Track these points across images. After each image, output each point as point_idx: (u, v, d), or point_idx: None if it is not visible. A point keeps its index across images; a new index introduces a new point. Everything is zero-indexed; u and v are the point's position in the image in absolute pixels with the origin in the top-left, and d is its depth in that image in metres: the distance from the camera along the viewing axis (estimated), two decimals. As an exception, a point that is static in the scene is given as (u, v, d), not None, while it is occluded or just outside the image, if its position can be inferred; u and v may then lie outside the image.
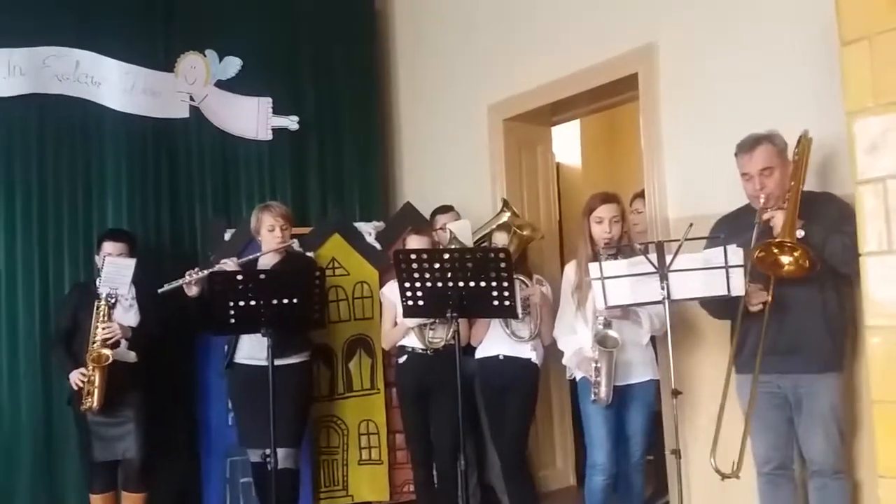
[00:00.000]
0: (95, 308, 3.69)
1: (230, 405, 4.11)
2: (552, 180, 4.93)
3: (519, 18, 4.51)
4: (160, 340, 3.91)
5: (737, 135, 2.92)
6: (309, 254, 4.26)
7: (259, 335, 3.49)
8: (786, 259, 2.57)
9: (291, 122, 4.96)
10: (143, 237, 4.43)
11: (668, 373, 2.88)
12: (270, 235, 3.84)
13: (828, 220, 2.67)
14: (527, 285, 3.58)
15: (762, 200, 2.74)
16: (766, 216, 2.71)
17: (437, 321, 3.68)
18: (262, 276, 3.55)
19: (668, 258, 2.82)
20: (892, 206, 2.11)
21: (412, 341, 3.77)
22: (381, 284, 4.23)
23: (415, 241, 3.78)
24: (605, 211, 3.31)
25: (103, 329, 3.66)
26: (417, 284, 3.20)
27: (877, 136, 2.15)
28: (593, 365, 3.21)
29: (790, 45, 3.11)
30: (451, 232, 3.86)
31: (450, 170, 5.07)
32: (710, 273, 2.75)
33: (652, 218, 3.74)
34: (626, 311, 3.21)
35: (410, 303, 3.26)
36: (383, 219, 4.84)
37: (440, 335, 3.70)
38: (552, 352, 3.64)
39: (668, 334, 2.89)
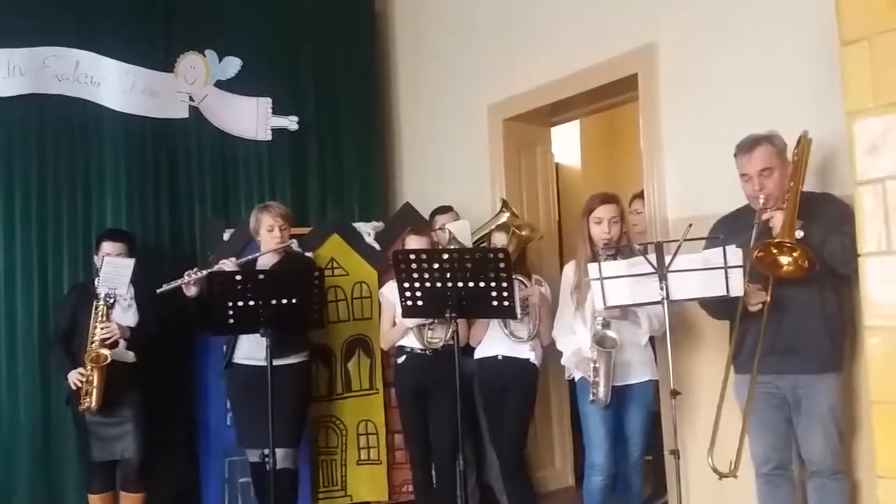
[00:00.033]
0: (94, 308, 3.68)
1: (229, 405, 4.10)
2: (551, 181, 4.93)
3: (519, 19, 4.51)
4: (159, 340, 3.91)
5: (736, 135, 2.92)
6: (308, 254, 4.26)
7: (258, 335, 3.49)
8: (785, 259, 2.57)
9: (291, 123, 4.96)
10: (143, 237, 4.44)
11: (667, 373, 2.87)
12: (269, 236, 3.84)
13: (827, 221, 2.67)
14: (526, 285, 3.58)
15: (761, 201, 2.74)
16: (765, 216, 2.71)
17: (435, 321, 3.67)
18: (261, 277, 3.55)
19: (668, 259, 2.82)
20: (892, 207, 2.11)
21: (411, 341, 3.77)
22: (380, 285, 4.23)
23: (414, 242, 3.77)
24: (604, 211, 3.31)
25: (102, 329, 3.66)
26: (416, 285, 3.20)
27: (877, 137, 2.14)
28: (592, 365, 3.21)
29: (790, 45, 3.11)
30: (450, 232, 3.86)
31: (449, 170, 5.07)
32: (709, 273, 2.75)
33: (651, 218, 3.74)
34: (625, 312, 3.21)
35: (409, 303, 3.25)
36: (382, 219, 4.84)
37: (439, 335, 3.69)
38: (551, 352, 3.64)
39: (667, 335, 2.89)
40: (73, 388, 3.71)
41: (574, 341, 3.41)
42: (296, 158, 5.05)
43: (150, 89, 4.65)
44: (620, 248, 3.28)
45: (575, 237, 3.65)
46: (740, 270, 2.70)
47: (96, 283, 3.75)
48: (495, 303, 3.17)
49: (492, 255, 3.20)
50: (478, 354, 3.74)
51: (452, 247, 3.69)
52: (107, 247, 3.88)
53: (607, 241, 3.27)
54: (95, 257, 3.95)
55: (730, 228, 2.90)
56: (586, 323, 3.32)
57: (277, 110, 4.94)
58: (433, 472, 3.84)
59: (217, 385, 4.15)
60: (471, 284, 3.14)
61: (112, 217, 4.48)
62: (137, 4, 4.66)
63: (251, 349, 3.74)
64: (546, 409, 4.64)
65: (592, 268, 2.97)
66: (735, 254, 2.70)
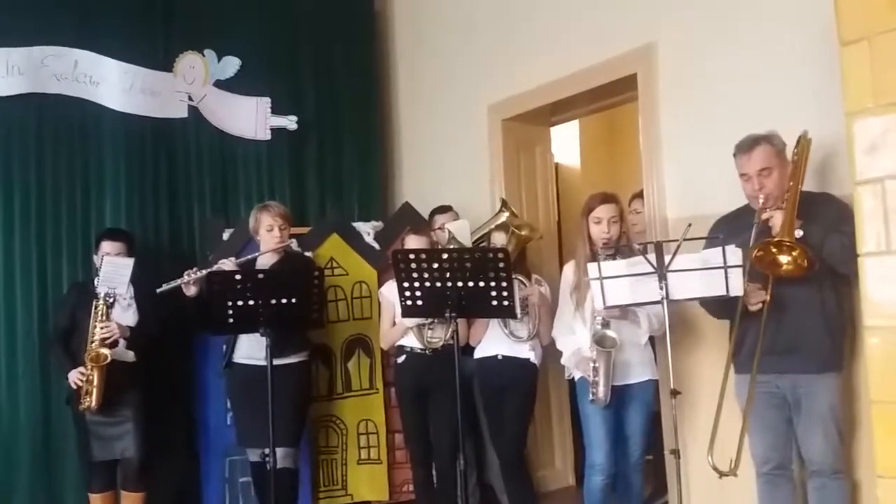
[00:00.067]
0: (94, 307, 3.68)
1: (229, 405, 4.10)
2: (551, 180, 4.93)
3: (518, 19, 4.51)
4: (159, 340, 3.91)
5: (736, 135, 2.92)
6: (307, 253, 4.26)
7: (258, 335, 3.48)
8: (784, 258, 2.57)
9: (290, 122, 4.96)
10: (142, 237, 4.44)
11: (667, 373, 2.87)
12: (269, 235, 3.84)
13: (826, 221, 2.67)
14: (525, 285, 3.58)
15: (761, 200, 2.74)
16: (764, 216, 2.71)
17: (435, 321, 3.68)
18: (261, 276, 3.55)
19: (667, 258, 2.82)
20: (891, 207, 2.11)
21: (411, 341, 3.77)
22: (380, 284, 4.23)
23: (413, 241, 3.78)
24: (603, 211, 3.31)
25: (102, 328, 3.66)
26: (416, 284, 3.20)
27: (876, 137, 2.14)
28: (591, 365, 3.21)
29: (790, 45, 3.11)
30: (449, 232, 3.87)
31: (448, 170, 5.07)
32: (708, 273, 2.75)
33: (651, 218, 3.74)
34: (625, 312, 3.21)
35: (409, 302, 3.25)
36: (382, 219, 4.85)
37: (439, 335, 3.70)
38: (551, 352, 3.64)
39: (666, 334, 2.89)
40: (74, 387, 3.71)
41: (574, 341, 3.41)
42: (295, 158, 5.05)
43: (149, 89, 4.65)
44: (620, 247, 3.28)
45: (574, 237, 3.65)
46: (740, 270, 2.70)
47: (96, 282, 3.75)
48: (495, 302, 3.17)
49: (491, 255, 3.20)
50: (478, 354, 3.74)
51: (452, 246, 3.69)
52: (106, 246, 3.88)
53: (607, 240, 3.27)
54: (95, 257, 3.96)
55: (729, 228, 2.90)
56: (586, 323, 3.32)
57: (276, 110, 4.93)
58: (433, 472, 3.85)
59: (217, 384, 4.15)
60: (470, 284, 3.14)
61: (111, 216, 4.48)
62: (137, 4, 4.66)
63: (251, 349, 3.74)
64: (546, 409, 4.64)
65: (592, 267, 2.97)
66: (734, 253, 2.70)
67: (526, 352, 3.63)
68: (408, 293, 3.23)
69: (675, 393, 2.85)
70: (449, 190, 4.80)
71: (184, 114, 4.76)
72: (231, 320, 3.43)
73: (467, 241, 3.92)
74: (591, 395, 3.22)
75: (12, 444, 4.16)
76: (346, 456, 4.42)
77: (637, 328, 3.30)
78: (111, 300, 3.70)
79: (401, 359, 3.83)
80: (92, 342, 3.64)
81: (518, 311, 3.35)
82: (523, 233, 3.76)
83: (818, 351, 2.75)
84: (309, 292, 3.52)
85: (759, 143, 2.82)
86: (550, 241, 4.87)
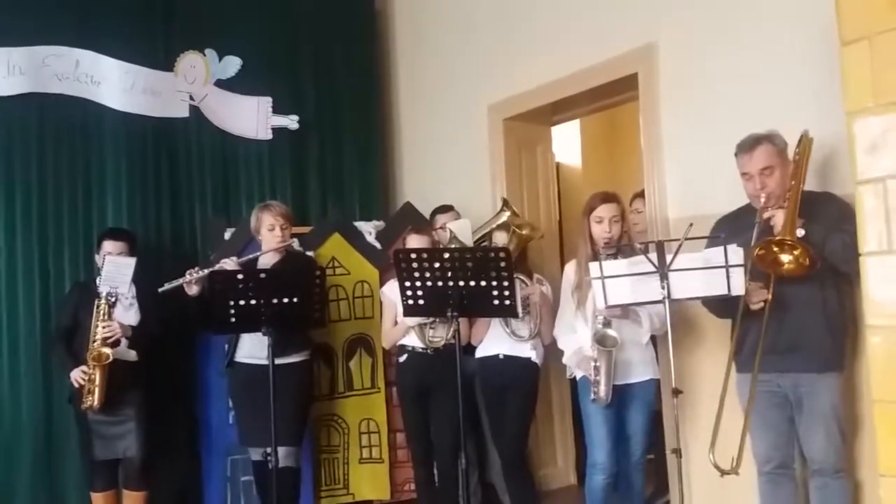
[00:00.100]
0: (96, 307, 3.68)
1: (231, 404, 4.11)
2: (552, 180, 4.94)
3: (519, 18, 4.51)
4: (160, 339, 3.91)
5: (737, 135, 2.92)
6: (309, 253, 4.26)
7: (259, 334, 3.49)
8: (786, 257, 2.57)
9: (291, 122, 4.96)
10: (144, 236, 4.43)
11: (669, 372, 2.88)
12: (270, 235, 3.84)
13: (828, 220, 2.67)
14: (527, 284, 3.58)
15: (763, 200, 2.74)
16: (766, 215, 2.71)
17: (437, 320, 3.68)
18: (263, 276, 3.56)
19: (669, 258, 2.83)
20: (892, 206, 2.11)
21: (412, 340, 3.78)
22: (382, 284, 4.24)
23: (415, 241, 3.78)
24: (604, 210, 3.32)
25: (104, 328, 3.66)
26: (418, 284, 3.20)
27: (877, 136, 2.15)
28: (593, 364, 3.21)
29: (790, 45, 3.12)
30: (450, 231, 3.87)
31: (450, 169, 5.07)
32: (710, 272, 2.75)
33: (652, 218, 3.74)
34: (626, 311, 3.21)
35: (411, 302, 3.26)
36: (383, 218, 4.85)
37: (440, 334, 3.70)
38: (552, 351, 3.64)
39: (668, 334, 2.89)
40: (76, 385, 3.71)
41: (575, 340, 3.41)
42: (296, 157, 5.05)
43: (150, 88, 4.65)
44: (621, 247, 3.28)
45: (576, 236, 3.65)
46: (741, 269, 2.70)
47: (98, 282, 3.75)
48: (496, 302, 3.17)
49: (493, 255, 3.20)
50: (479, 353, 3.75)
51: (453, 246, 3.69)
52: (108, 246, 3.88)
53: (608, 240, 3.28)
54: (96, 256, 3.96)
55: (731, 227, 2.91)
56: (587, 322, 3.33)
57: (278, 109, 4.93)
58: (435, 471, 3.85)
59: (219, 384, 4.16)
60: (472, 283, 3.14)
61: (113, 216, 4.49)
62: (137, 4, 4.66)
63: (253, 348, 3.74)
64: (548, 408, 4.64)
65: (593, 267, 2.98)
66: (736, 253, 2.70)
67: (527, 351, 3.63)
68: (409, 292, 3.24)
69: (676, 392, 2.86)
70: (450, 189, 4.81)
71: (185, 113, 4.76)
72: (233, 320, 3.43)
73: (469, 241, 3.92)
74: (592, 395, 3.23)
75: (14, 442, 4.16)
76: (347, 455, 4.43)
77: (638, 327, 3.30)
78: (113, 299, 3.70)
79: (402, 358, 3.84)
80: (94, 341, 3.64)
81: (519, 310, 3.35)
82: (524, 232, 3.76)
83: (820, 350, 2.75)
84: (310, 292, 3.52)
85: (761, 142, 2.82)
86: (552, 240, 4.87)
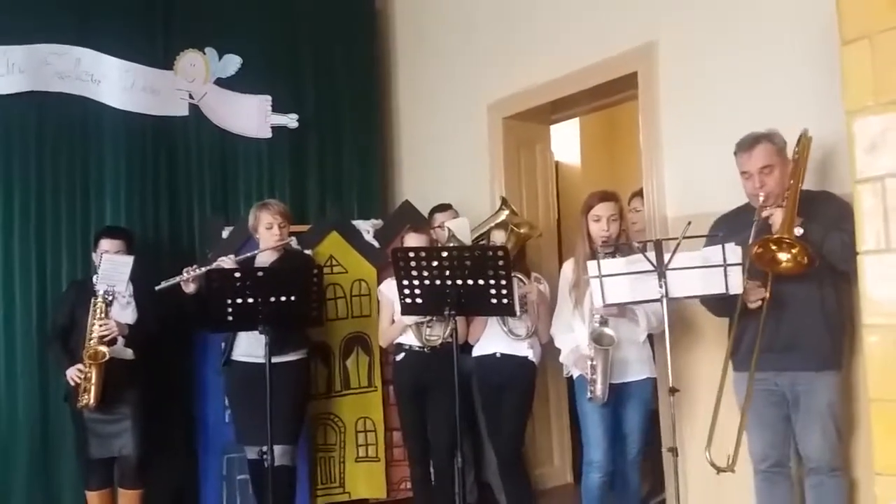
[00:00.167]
0: (92, 305, 3.67)
1: (227, 402, 4.10)
2: (551, 179, 4.93)
3: (518, 17, 4.51)
4: (157, 338, 3.90)
5: (736, 134, 2.92)
6: (307, 251, 4.26)
7: (256, 332, 3.48)
8: (784, 256, 2.57)
9: (291, 121, 4.97)
10: (142, 234, 4.44)
11: (666, 370, 2.88)
12: (268, 233, 3.84)
13: (826, 219, 2.67)
14: (524, 283, 3.58)
15: (761, 198, 2.74)
16: (765, 214, 2.71)
17: (434, 319, 3.68)
18: (260, 274, 3.55)
19: (667, 256, 2.82)
20: (891, 205, 2.11)
21: (410, 339, 3.77)
22: (379, 282, 4.23)
23: (413, 239, 3.78)
24: (603, 209, 3.31)
25: (100, 326, 3.65)
26: (415, 282, 3.20)
27: (876, 135, 2.15)
28: (589, 363, 3.21)
29: (790, 43, 3.11)
30: (449, 230, 3.87)
31: (448, 168, 5.07)
32: (708, 271, 2.75)
33: (650, 217, 3.74)
34: (623, 310, 3.21)
35: (408, 300, 3.25)
36: (381, 217, 4.85)
37: (437, 333, 3.70)
38: (550, 350, 3.64)
39: (665, 332, 2.89)
40: (72, 383, 3.70)
41: (572, 339, 3.41)
42: (295, 156, 5.05)
43: (150, 87, 4.65)
44: (619, 245, 3.28)
45: (574, 235, 3.65)
46: (739, 268, 2.70)
47: (95, 280, 3.74)
48: (494, 300, 3.17)
49: (491, 253, 3.20)
50: (476, 352, 3.74)
51: (451, 244, 3.69)
52: (105, 244, 3.88)
53: (606, 238, 3.28)
54: (94, 254, 3.95)
55: (730, 226, 2.90)
56: (585, 320, 3.32)
57: (277, 108, 4.94)
58: (431, 470, 3.85)
59: (215, 382, 4.15)
60: (470, 282, 3.14)
61: (111, 214, 4.49)
62: (138, 2, 4.66)
63: (250, 346, 3.74)
64: (544, 407, 4.64)
65: (591, 265, 2.97)
66: (734, 252, 2.70)
67: (524, 350, 3.63)
68: (407, 291, 3.23)
69: (673, 391, 2.85)
70: (449, 188, 4.81)
71: (184, 112, 4.76)
72: (230, 318, 3.42)
73: (467, 239, 3.92)
74: (589, 393, 3.22)
75: (10, 441, 4.16)
76: (344, 454, 4.43)
77: (635, 326, 3.30)
78: (110, 298, 3.70)
79: (399, 357, 3.83)
80: (90, 340, 3.63)
81: (517, 309, 3.35)
82: (523, 231, 3.76)
83: (817, 349, 2.75)
84: (308, 290, 3.52)
85: (760, 141, 2.82)
86: (550, 239, 4.87)
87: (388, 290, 3.79)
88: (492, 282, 3.13)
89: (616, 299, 2.98)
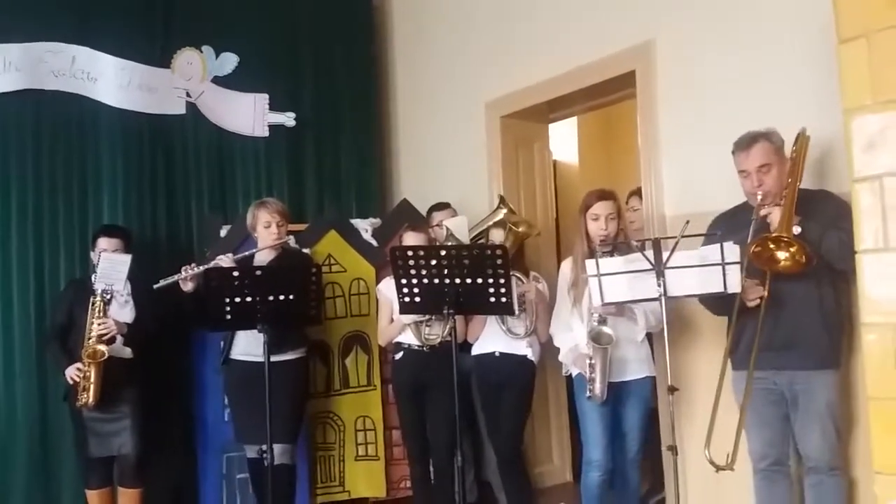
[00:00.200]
0: (91, 304, 3.67)
1: (226, 401, 4.10)
2: (549, 177, 4.93)
3: (517, 16, 4.50)
4: (156, 336, 3.90)
5: (734, 133, 2.92)
6: (305, 250, 4.25)
7: (255, 331, 3.47)
8: (782, 254, 2.57)
9: (288, 119, 4.96)
10: (139, 233, 4.42)
11: (665, 369, 2.88)
12: (266, 232, 3.84)
13: (824, 218, 2.67)
14: (523, 282, 3.58)
15: (759, 197, 2.74)
16: (763, 212, 2.71)
17: (433, 318, 3.68)
18: (259, 273, 3.55)
19: (665, 255, 2.82)
20: (889, 204, 2.11)
21: (408, 338, 3.77)
22: (378, 281, 4.23)
23: (411, 238, 3.77)
24: (601, 208, 3.32)
25: (99, 325, 3.65)
26: (414, 281, 3.20)
27: (874, 134, 2.15)
28: (588, 361, 3.21)
29: (788, 42, 3.11)
30: (447, 229, 3.87)
31: (447, 167, 5.07)
32: (706, 270, 2.76)
33: (649, 215, 3.74)
34: (621, 308, 3.21)
35: (407, 299, 3.25)
36: (380, 215, 4.85)
37: (436, 332, 3.70)
38: (549, 348, 3.64)
39: (664, 331, 2.89)
40: (71, 382, 3.70)
41: (571, 338, 3.41)
42: (293, 155, 5.04)
43: (146, 85, 4.64)
44: (618, 244, 3.29)
45: (572, 234, 3.65)
46: (738, 267, 2.70)
47: (93, 279, 3.73)
48: (493, 299, 3.16)
49: (489, 252, 3.19)
50: (475, 351, 3.75)
51: (450, 243, 3.69)
52: (103, 243, 3.87)
53: (604, 237, 3.28)
54: (92, 253, 3.95)
55: (728, 225, 2.91)
56: (583, 319, 3.32)
57: (274, 106, 4.93)
58: (431, 469, 3.85)
59: (214, 381, 4.15)
60: (468, 281, 3.13)
61: (109, 213, 4.48)
62: (135, 1, 4.64)
63: (248, 345, 3.74)
64: (544, 406, 4.64)
65: (590, 264, 2.98)
66: (732, 250, 2.71)
67: (523, 348, 3.63)
68: (406, 290, 3.23)
69: (672, 389, 2.86)
70: (447, 187, 4.81)
71: (181, 110, 4.75)
72: (228, 317, 3.42)
73: (465, 238, 3.92)
74: (588, 392, 3.23)
75: (9, 440, 4.15)
76: (343, 452, 4.43)
77: (634, 325, 3.30)
78: (108, 297, 3.69)
79: (398, 355, 3.83)
80: (89, 339, 3.63)
81: (516, 307, 3.35)
82: (521, 229, 3.76)
83: (816, 347, 2.75)
84: (307, 289, 3.51)
85: (758, 139, 2.83)
86: (548, 237, 4.87)
87: (387, 288, 3.79)
88: (490, 280, 3.13)
89: (614, 298, 2.98)
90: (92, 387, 3.62)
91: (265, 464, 3.48)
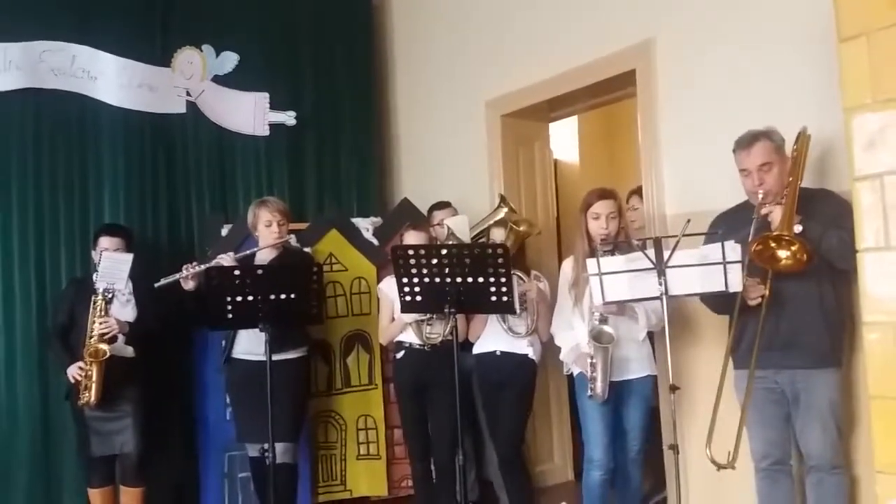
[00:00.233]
0: (92, 303, 3.68)
1: (228, 400, 4.10)
2: (550, 176, 4.93)
3: (517, 15, 4.50)
4: (157, 335, 3.91)
5: (734, 131, 2.92)
6: (306, 249, 4.25)
7: (257, 330, 3.48)
8: (783, 253, 2.57)
9: (289, 118, 4.96)
10: (140, 232, 4.43)
11: (666, 368, 2.88)
12: (267, 231, 3.84)
13: (825, 217, 2.67)
14: (524, 281, 3.58)
15: (760, 196, 2.75)
16: (764, 211, 2.71)
17: (434, 317, 3.68)
18: (260, 272, 3.55)
19: (666, 254, 2.83)
20: (890, 203, 2.12)
21: (410, 337, 3.77)
22: (379, 280, 4.23)
23: (412, 237, 3.78)
24: (601, 207, 3.31)
25: (100, 324, 3.65)
26: (415, 280, 3.20)
27: (874, 133, 2.15)
28: (589, 360, 3.21)
29: (789, 41, 3.11)
30: (448, 228, 3.87)
31: (447, 166, 5.07)
32: (707, 269, 2.76)
33: (650, 214, 3.74)
34: (622, 308, 3.21)
35: (408, 298, 3.25)
36: (381, 214, 4.85)
37: (437, 331, 3.70)
38: (550, 347, 3.64)
39: (665, 330, 2.89)
40: (73, 381, 3.70)
41: (572, 337, 3.41)
42: (293, 154, 5.04)
43: (147, 84, 4.64)
44: (618, 243, 3.29)
45: (573, 233, 3.65)
46: (739, 266, 2.70)
47: (94, 278, 3.74)
48: (494, 298, 3.17)
49: (490, 251, 3.20)
50: (476, 350, 3.74)
51: (451, 242, 3.69)
52: (104, 242, 3.88)
53: (605, 236, 3.28)
54: (93, 252, 3.95)
55: (729, 224, 2.91)
56: (584, 318, 3.32)
57: (275, 105, 4.93)
58: (432, 468, 3.85)
59: (216, 380, 4.15)
60: (469, 280, 3.14)
61: (110, 212, 4.48)
62: (135, 0, 4.64)
63: (250, 344, 3.74)
64: (545, 405, 4.65)
65: (591, 263, 2.98)
66: (733, 249, 2.71)
67: (524, 348, 3.63)
68: (407, 289, 3.23)
69: (673, 388, 2.86)
70: (448, 186, 4.81)
71: (182, 109, 4.75)
72: (230, 316, 3.43)
73: (466, 237, 3.92)
74: (589, 391, 3.23)
75: (11, 439, 4.15)
76: (345, 451, 4.43)
77: (634, 324, 3.30)
78: (110, 295, 3.70)
79: (399, 354, 3.84)
80: (91, 338, 3.64)
81: (517, 306, 3.35)
82: (522, 228, 3.76)
83: (817, 346, 2.75)
84: (308, 288, 3.52)
85: (759, 138, 2.83)
86: (549, 236, 4.87)
87: (388, 287, 3.80)
88: (491, 279, 3.13)
89: (615, 297, 2.99)
90: (93, 386, 3.63)
91: (267, 463, 3.50)
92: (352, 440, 4.43)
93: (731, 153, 2.92)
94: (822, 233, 2.63)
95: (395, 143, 5.57)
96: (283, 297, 3.42)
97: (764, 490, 2.95)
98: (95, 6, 4.52)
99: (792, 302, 2.75)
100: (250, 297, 3.40)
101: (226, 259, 3.74)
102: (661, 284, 2.83)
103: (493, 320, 3.65)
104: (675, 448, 2.93)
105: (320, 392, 4.39)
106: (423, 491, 3.91)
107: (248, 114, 4.91)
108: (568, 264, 3.50)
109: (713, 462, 2.65)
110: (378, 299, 4.09)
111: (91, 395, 3.63)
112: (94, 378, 3.63)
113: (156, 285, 3.71)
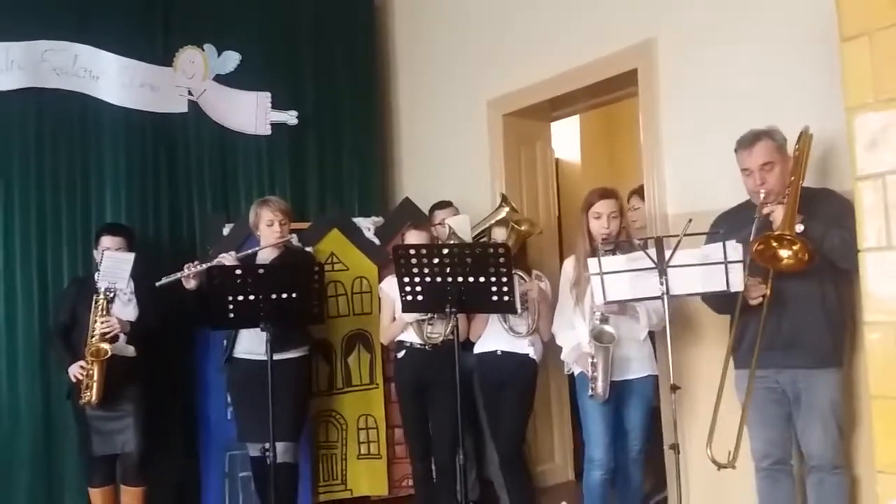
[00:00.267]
0: (94, 302, 3.68)
1: (229, 399, 4.10)
2: (551, 176, 4.93)
3: (518, 15, 4.50)
4: (159, 335, 3.91)
5: (736, 131, 2.92)
6: (308, 249, 4.26)
7: (258, 330, 3.48)
8: (785, 252, 2.57)
9: (290, 117, 4.96)
10: (142, 231, 4.44)
11: (667, 368, 2.88)
12: (269, 230, 3.84)
13: (827, 216, 2.67)
14: (525, 280, 3.58)
15: (762, 195, 2.74)
16: (766, 210, 2.71)
17: (435, 316, 3.68)
18: (261, 271, 3.55)
19: (667, 254, 2.83)
20: (892, 202, 2.12)
21: (411, 336, 3.78)
22: (380, 279, 4.24)
23: (414, 237, 3.78)
24: (603, 206, 3.31)
25: (102, 323, 3.66)
26: (416, 279, 3.20)
27: (876, 132, 2.15)
28: (590, 360, 3.21)
29: (790, 40, 3.11)
30: (449, 227, 3.87)
31: (448, 165, 5.07)
32: (709, 269, 2.76)
33: (651, 214, 3.74)
34: (623, 307, 3.21)
35: (409, 298, 3.26)
36: (382, 214, 4.85)
37: (439, 330, 3.70)
38: (551, 347, 3.64)
39: (667, 329, 2.89)
40: (74, 380, 3.71)
41: (573, 336, 3.41)
42: (295, 153, 5.05)
43: (148, 83, 4.65)
44: (619, 243, 3.29)
45: (574, 232, 3.65)
46: (740, 265, 2.70)
47: (96, 277, 3.74)
48: (495, 297, 3.17)
49: (492, 250, 3.20)
50: (477, 349, 3.74)
51: (452, 242, 3.69)
52: (106, 241, 3.88)
53: (606, 235, 3.28)
54: (95, 251, 3.96)
55: (730, 223, 2.91)
56: (585, 318, 3.32)
57: (277, 105, 4.94)
58: (433, 467, 3.85)
59: (217, 379, 4.15)
60: (471, 279, 3.14)
61: (111, 211, 4.48)
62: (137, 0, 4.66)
63: (251, 343, 3.74)
64: (546, 404, 4.65)
65: (592, 263, 2.98)
66: (735, 249, 2.70)
67: (525, 347, 3.63)
68: (408, 288, 3.23)
69: (674, 388, 2.86)
70: (449, 185, 4.81)
71: (184, 108, 4.76)
72: (231, 315, 3.43)
73: (467, 237, 3.92)
74: (590, 391, 3.23)
75: (13, 438, 4.15)
76: (345, 451, 4.43)
77: (635, 323, 3.30)
78: (111, 295, 3.71)
79: (401, 354, 3.84)
80: (92, 337, 3.64)
81: (518, 306, 3.35)
82: (523, 228, 3.76)
83: (818, 346, 2.75)
84: (309, 287, 3.52)
85: (761, 137, 2.82)
86: (551, 236, 4.87)
87: (389, 287, 3.80)
88: (493, 279, 3.13)
89: (617, 296, 2.99)
90: (95, 385, 3.63)
91: (268, 462, 3.50)
92: (352, 440, 4.43)
93: (732, 153, 2.92)
94: (823, 232, 2.63)
95: (397, 142, 5.57)
96: (284, 296, 3.42)
97: (764, 490, 2.95)
98: (97, 6, 4.52)
99: (793, 302, 2.75)
100: (252, 297, 3.40)
101: (227, 258, 3.74)
102: (662, 284, 2.83)
103: (494, 320, 3.65)
104: (675, 448, 2.93)
105: (321, 391, 4.39)
106: (424, 490, 3.91)
107: (250, 113, 4.92)
108: (569, 264, 3.50)
109: (714, 462, 2.65)
110: (379, 299, 4.10)
111: (92, 395, 3.63)
112: (95, 377, 3.63)
113: (157, 284, 3.71)
